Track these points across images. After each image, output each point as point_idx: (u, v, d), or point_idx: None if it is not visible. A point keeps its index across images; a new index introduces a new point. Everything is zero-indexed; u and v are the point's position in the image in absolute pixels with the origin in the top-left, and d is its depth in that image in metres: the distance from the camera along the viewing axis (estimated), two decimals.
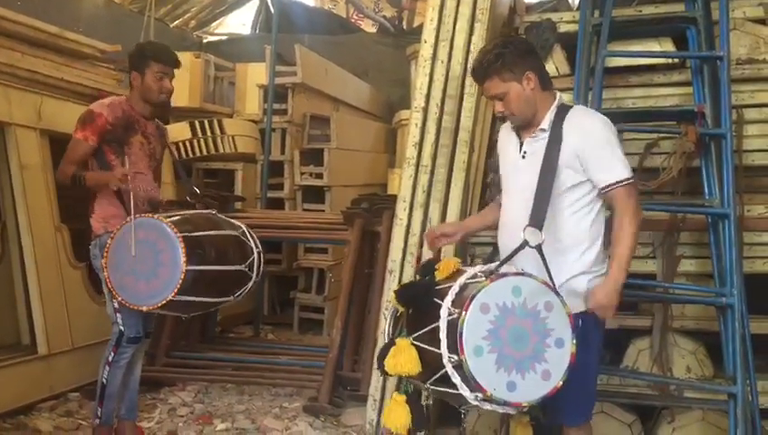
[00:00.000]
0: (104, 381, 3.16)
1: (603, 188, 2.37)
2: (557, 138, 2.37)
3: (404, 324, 2.35)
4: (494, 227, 2.80)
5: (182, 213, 3.24)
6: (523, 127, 2.50)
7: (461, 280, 2.22)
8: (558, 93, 2.50)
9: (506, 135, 2.62)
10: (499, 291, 2.11)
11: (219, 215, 3.45)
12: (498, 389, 2.07)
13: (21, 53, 4.04)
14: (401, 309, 2.39)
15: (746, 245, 3.37)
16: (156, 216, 2.98)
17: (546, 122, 2.42)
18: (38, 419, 3.66)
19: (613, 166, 2.36)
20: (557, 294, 2.17)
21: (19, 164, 3.86)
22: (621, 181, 2.35)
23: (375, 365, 2.65)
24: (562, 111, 2.42)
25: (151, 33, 6.91)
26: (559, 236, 2.37)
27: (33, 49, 4.16)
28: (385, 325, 2.52)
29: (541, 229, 2.26)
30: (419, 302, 2.31)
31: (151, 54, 3.25)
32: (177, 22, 9.35)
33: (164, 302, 2.91)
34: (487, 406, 2.13)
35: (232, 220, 3.45)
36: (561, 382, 2.13)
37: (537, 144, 2.43)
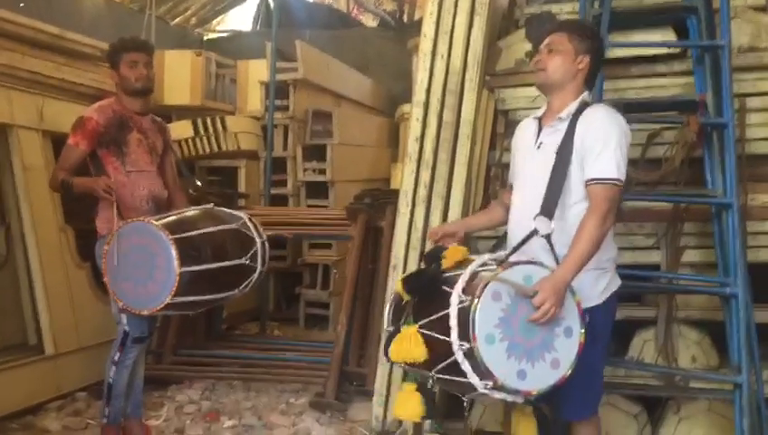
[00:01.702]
0: (111, 381, 3.18)
1: (586, 182, 2.33)
2: (572, 130, 2.37)
3: (409, 312, 2.31)
4: (497, 225, 2.80)
5: (178, 212, 3.22)
6: (545, 111, 2.52)
7: (472, 267, 2.19)
8: (587, 92, 2.50)
9: (525, 126, 2.63)
10: (511, 279, 2.11)
11: (219, 208, 3.40)
12: (509, 377, 2.06)
13: (22, 54, 4.04)
14: (406, 297, 2.34)
15: (750, 234, 3.35)
16: (147, 219, 2.96)
17: (566, 112, 2.42)
18: (46, 419, 3.68)
19: (601, 161, 2.30)
20: None
21: (22, 166, 3.88)
22: (603, 179, 2.29)
23: (381, 353, 2.61)
24: (584, 106, 2.42)
25: (152, 31, 6.88)
26: (569, 231, 2.32)
27: (34, 50, 4.16)
28: (385, 313, 2.48)
29: (551, 219, 2.25)
30: (427, 290, 2.28)
31: (120, 47, 3.33)
32: (177, 19, 9.32)
33: (163, 305, 2.91)
34: (496, 394, 2.11)
35: (233, 212, 3.39)
36: (569, 371, 2.14)
37: (553, 136, 2.43)
